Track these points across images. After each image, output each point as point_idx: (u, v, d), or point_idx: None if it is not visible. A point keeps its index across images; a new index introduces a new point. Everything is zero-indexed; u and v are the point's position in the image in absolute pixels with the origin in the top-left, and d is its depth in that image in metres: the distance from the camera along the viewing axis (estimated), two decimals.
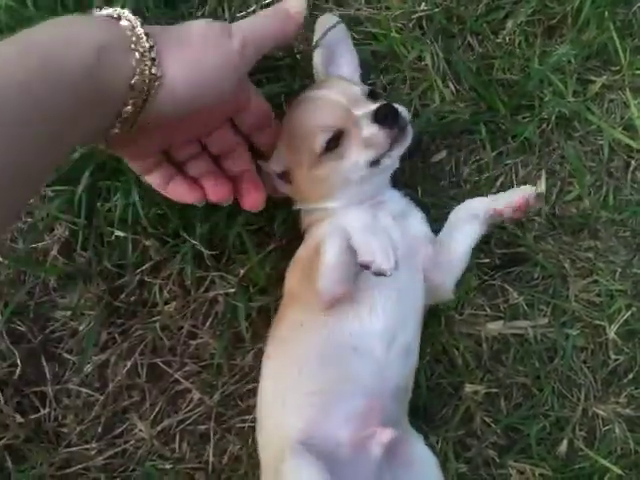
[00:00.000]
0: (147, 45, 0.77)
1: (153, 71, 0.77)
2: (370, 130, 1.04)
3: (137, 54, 0.76)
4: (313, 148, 1.06)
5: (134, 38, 0.77)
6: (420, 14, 1.40)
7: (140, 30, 0.78)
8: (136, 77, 0.76)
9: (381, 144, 1.04)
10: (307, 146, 1.07)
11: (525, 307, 1.31)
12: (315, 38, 1.20)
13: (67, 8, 1.26)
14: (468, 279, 1.30)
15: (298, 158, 1.10)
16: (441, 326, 1.28)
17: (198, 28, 0.86)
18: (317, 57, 1.21)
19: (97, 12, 0.81)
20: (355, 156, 1.06)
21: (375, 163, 1.07)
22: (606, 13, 1.37)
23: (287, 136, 1.11)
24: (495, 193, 1.33)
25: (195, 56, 0.82)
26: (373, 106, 1.06)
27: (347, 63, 1.22)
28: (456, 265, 1.15)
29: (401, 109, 1.06)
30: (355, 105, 1.07)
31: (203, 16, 1.36)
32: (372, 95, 1.11)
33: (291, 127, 1.11)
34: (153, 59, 0.77)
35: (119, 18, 0.79)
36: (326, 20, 1.21)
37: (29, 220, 1.30)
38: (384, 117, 1.02)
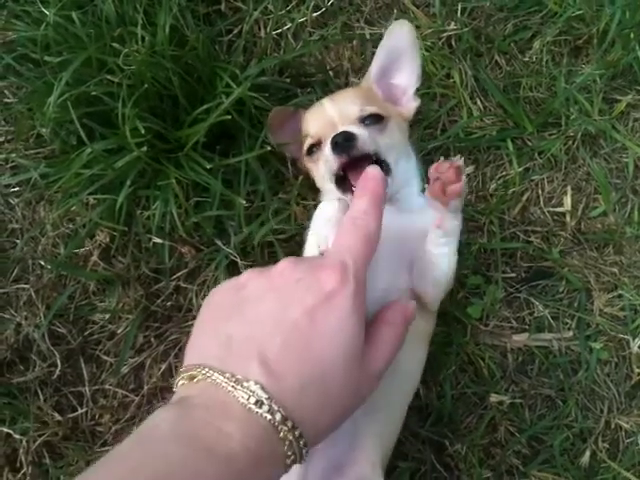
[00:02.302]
0: (290, 425, 0.70)
1: (301, 444, 0.71)
2: (327, 150, 1.11)
3: (287, 443, 0.70)
4: (305, 145, 1.22)
5: (280, 427, 0.69)
6: (449, 33, 1.44)
7: (278, 415, 0.69)
8: (290, 457, 0.71)
9: (332, 166, 1.11)
10: (305, 141, 1.22)
11: (550, 320, 1.33)
12: (382, 43, 1.25)
13: (110, 24, 1.32)
14: (494, 292, 1.33)
15: (303, 148, 1.24)
16: (467, 336, 1.31)
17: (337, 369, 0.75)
18: (376, 60, 1.26)
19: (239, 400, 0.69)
20: (322, 167, 1.16)
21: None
22: (632, 34, 1.40)
23: (303, 126, 1.25)
24: (521, 208, 1.38)
25: (326, 401, 0.74)
26: (341, 129, 1.12)
27: (407, 72, 1.25)
28: (438, 278, 1.09)
29: (363, 139, 1.09)
30: (342, 123, 1.15)
31: (240, 34, 1.42)
32: (369, 120, 1.16)
33: (304, 120, 1.25)
34: (299, 436, 0.70)
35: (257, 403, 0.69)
36: (398, 26, 1.24)
37: (71, 226, 1.35)
38: (334, 144, 1.09)
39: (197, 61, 1.29)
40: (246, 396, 0.67)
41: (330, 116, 1.17)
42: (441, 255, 1.05)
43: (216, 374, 0.70)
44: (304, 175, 1.32)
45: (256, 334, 0.73)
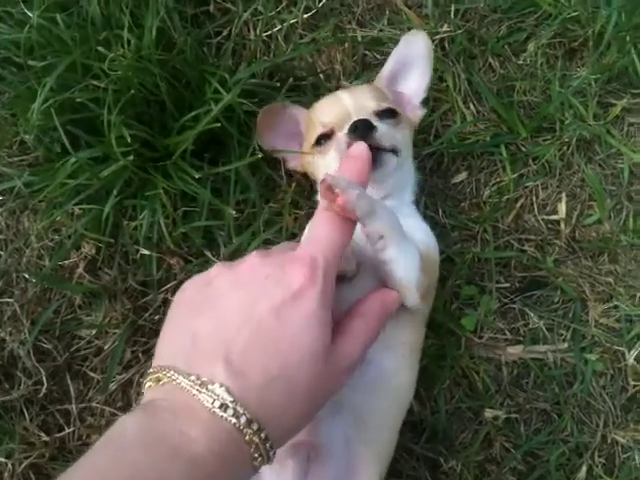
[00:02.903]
0: (255, 427, 0.69)
1: (267, 446, 0.70)
2: (342, 134, 1.09)
3: (253, 445, 0.69)
4: (312, 137, 1.17)
5: (245, 430, 0.69)
6: (442, 35, 1.41)
7: (243, 418, 0.68)
8: (257, 459, 0.70)
9: (342, 149, 1.08)
10: (310, 135, 1.19)
11: (545, 331, 1.32)
12: (396, 49, 1.24)
13: (96, 26, 1.27)
14: (488, 302, 1.31)
15: (308, 140, 1.20)
16: (461, 349, 1.29)
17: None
18: (386, 67, 1.25)
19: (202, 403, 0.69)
20: (331, 157, 1.12)
21: None
22: (627, 37, 1.37)
23: (308, 119, 1.21)
24: (515, 215, 1.36)
25: (292, 399, 0.73)
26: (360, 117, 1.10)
27: (415, 81, 1.24)
28: (400, 283, 0.97)
29: (381, 132, 1.07)
30: (358, 114, 1.12)
31: (229, 36, 1.38)
32: (384, 114, 1.14)
33: (311, 113, 1.21)
34: (264, 438, 0.70)
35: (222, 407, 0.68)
36: (413, 35, 1.23)
37: (56, 237, 1.31)
38: (354, 128, 1.06)
39: (185, 65, 1.25)
40: (211, 400, 0.67)
41: (346, 107, 1.14)
42: (389, 260, 0.94)
43: (181, 377, 0.70)
44: (299, 177, 1.30)
45: (222, 331, 0.73)
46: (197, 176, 1.20)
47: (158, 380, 0.72)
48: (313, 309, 0.74)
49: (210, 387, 0.68)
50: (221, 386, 0.68)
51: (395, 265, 0.94)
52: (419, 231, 1.12)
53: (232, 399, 0.67)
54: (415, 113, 1.24)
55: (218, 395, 0.67)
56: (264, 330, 0.72)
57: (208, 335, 0.73)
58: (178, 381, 0.70)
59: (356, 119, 1.09)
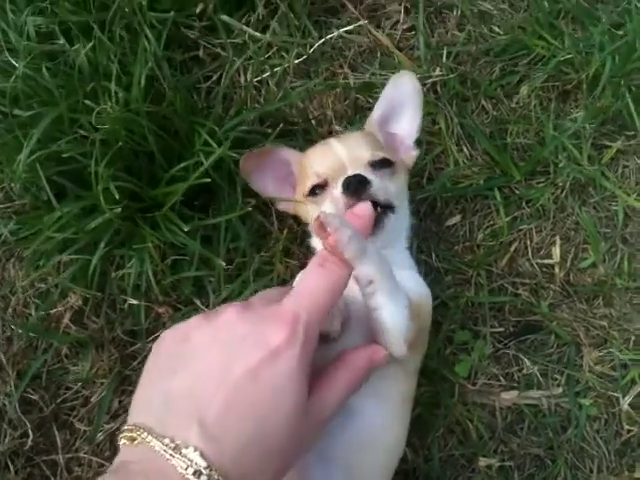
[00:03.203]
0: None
1: None
2: (337, 191, 1.07)
3: None
4: (305, 185, 1.15)
5: None
6: (435, 79, 1.40)
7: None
8: None
9: (340, 208, 1.06)
10: (304, 182, 1.16)
11: (539, 376, 1.30)
12: (384, 91, 1.23)
13: (83, 76, 1.26)
14: (482, 348, 1.30)
15: (300, 188, 1.18)
16: (454, 396, 1.28)
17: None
18: (376, 109, 1.24)
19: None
20: (326, 208, 1.10)
21: None
22: (621, 81, 1.36)
23: (301, 165, 1.20)
24: (509, 259, 1.34)
25: (268, 458, 0.72)
26: (354, 172, 1.08)
27: (407, 122, 1.24)
28: (388, 333, 0.95)
29: (376, 187, 1.06)
30: (352, 166, 1.10)
31: (219, 81, 1.37)
32: (379, 165, 1.12)
33: (304, 160, 1.19)
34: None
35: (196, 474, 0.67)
36: (401, 76, 1.22)
37: (42, 285, 1.30)
38: (347, 185, 1.05)
39: (174, 116, 1.24)
40: (184, 465, 0.65)
41: (340, 157, 1.12)
42: (377, 306, 0.92)
43: (155, 440, 0.68)
44: (290, 223, 1.30)
45: (197, 392, 0.71)
46: (186, 229, 1.19)
47: (132, 439, 0.70)
48: (291, 370, 0.73)
49: (184, 451, 0.66)
50: (195, 450, 0.66)
51: (383, 312, 0.93)
52: (412, 280, 1.11)
53: (206, 464, 0.66)
54: (409, 154, 1.23)
55: (192, 460, 0.66)
56: (240, 393, 0.71)
57: (182, 396, 0.72)
58: (152, 444, 0.68)
59: (350, 173, 1.08)
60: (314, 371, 0.79)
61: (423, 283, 1.14)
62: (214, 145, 1.19)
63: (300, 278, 0.86)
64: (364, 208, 0.92)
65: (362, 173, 1.08)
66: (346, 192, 1.05)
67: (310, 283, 0.82)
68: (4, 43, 1.31)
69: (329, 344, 0.92)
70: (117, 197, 1.14)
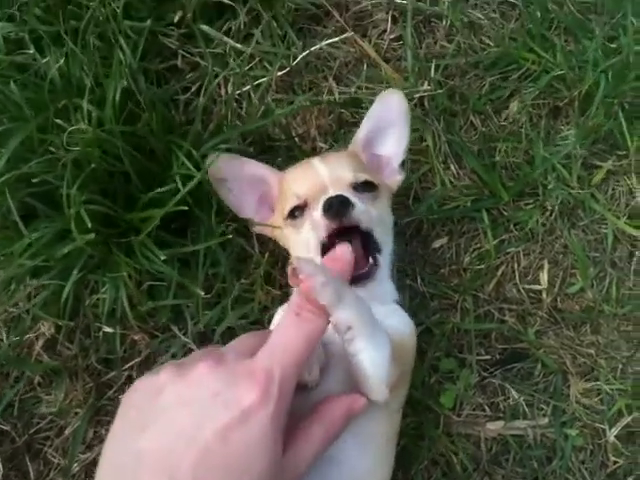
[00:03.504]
0: None
1: None
2: (317, 213, 1.02)
3: None
4: (284, 207, 1.10)
5: None
6: (423, 94, 1.35)
7: None
8: None
9: (320, 231, 1.02)
10: (282, 204, 1.11)
11: (525, 407, 1.28)
12: (371, 110, 1.18)
13: (55, 90, 1.19)
14: (467, 377, 1.27)
15: (279, 211, 1.13)
16: (439, 428, 1.24)
17: None
18: (362, 129, 1.18)
19: None
20: (305, 233, 1.06)
21: None
22: (614, 101, 1.32)
23: (280, 186, 1.14)
24: (496, 284, 1.31)
25: None
26: (335, 193, 1.03)
27: (393, 143, 1.18)
28: (368, 379, 0.90)
29: (358, 210, 1.01)
30: (334, 186, 1.05)
31: (199, 92, 1.31)
32: (362, 187, 1.07)
33: (284, 180, 1.14)
34: None
35: None
36: (389, 95, 1.17)
37: (14, 309, 1.25)
38: (327, 206, 1.00)
39: (151, 136, 1.18)
40: None
41: (321, 177, 1.07)
42: (357, 352, 0.87)
43: None
44: (272, 247, 1.24)
45: (167, 453, 0.69)
46: (163, 258, 1.13)
47: None
48: (264, 430, 0.71)
49: None
50: None
51: (363, 358, 0.87)
52: (394, 316, 1.06)
53: None
54: (394, 178, 1.18)
55: None
56: (210, 455, 0.68)
57: (153, 456, 0.69)
58: None
59: (332, 194, 1.03)
60: (290, 420, 0.76)
61: (406, 318, 1.09)
62: (192, 169, 1.13)
63: (276, 327, 0.81)
64: (343, 251, 0.88)
65: (345, 194, 1.03)
66: (327, 214, 1.00)
67: (285, 334, 0.79)
68: None
69: (306, 393, 0.89)
70: (89, 225, 1.08)
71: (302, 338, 0.78)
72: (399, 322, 1.06)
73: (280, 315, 1.10)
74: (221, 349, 0.82)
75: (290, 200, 1.09)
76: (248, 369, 0.74)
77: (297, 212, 1.08)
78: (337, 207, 1.00)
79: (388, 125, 1.17)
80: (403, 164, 1.19)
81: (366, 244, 1.04)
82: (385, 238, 1.10)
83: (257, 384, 0.72)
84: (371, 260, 1.02)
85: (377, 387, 0.90)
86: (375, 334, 0.88)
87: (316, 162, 1.11)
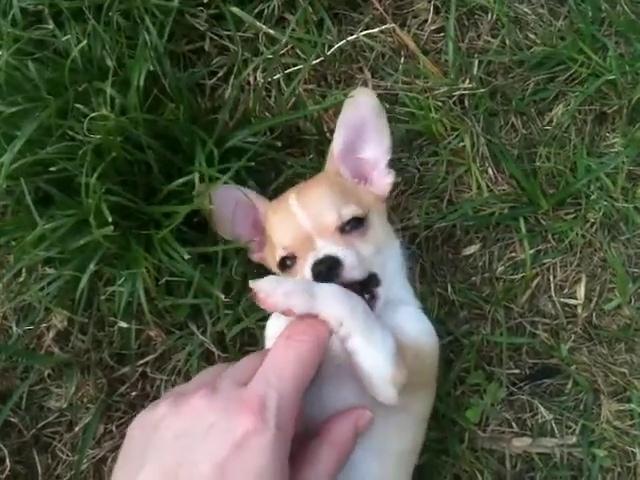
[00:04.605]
0: None
1: None
2: (308, 275, 0.94)
3: None
4: (274, 253, 1.03)
5: None
6: (463, 92, 1.28)
7: None
8: None
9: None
10: (272, 244, 1.04)
11: (553, 424, 1.22)
12: (341, 117, 1.07)
13: (75, 71, 1.12)
14: (495, 391, 1.21)
15: (270, 247, 1.06)
16: (464, 443, 1.19)
17: None
18: (337, 136, 1.07)
19: None
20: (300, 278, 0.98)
21: None
22: None
23: (268, 219, 1.07)
24: (530, 295, 1.25)
25: None
26: (322, 252, 0.94)
27: (374, 145, 1.08)
28: (370, 378, 0.86)
29: (349, 266, 0.93)
30: (320, 235, 0.97)
31: (226, 78, 1.24)
32: (349, 226, 0.98)
33: (269, 216, 1.07)
34: None
35: None
36: (358, 95, 1.06)
37: (25, 299, 1.19)
38: (317, 274, 0.92)
39: (176, 126, 1.11)
40: None
41: (304, 228, 0.98)
42: (354, 350, 0.84)
43: None
44: None
45: None
46: (186, 257, 1.07)
47: None
48: (262, 459, 0.69)
49: None
50: None
51: (362, 356, 0.84)
52: (410, 318, 1.00)
53: None
54: (384, 181, 1.08)
55: None
56: None
57: None
58: None
59: (318, 246, 0.95)
60: (296, 440, 0.75)
61: (425, 320, 1.02)
62: (218, 175, 1.06)
63: (269, 352, 0.80)
64: None
65: (330, 252, 0.94)
66: (318, 278, 0.92)
67: (277, 358, 0.78)
68: None
69: (314, 400, 0.86)
70: (109, 218, 1.02)
71: (296, 359, 0.77)
72: (416, 322, 1.01)
73: (272, 329, 1.05)
74: (223, 372, 0.82)
75: (278, 248, 1.01)
76: (241, 397, 0.73)
77: (288, 261, 1.01)
78: (326, 273, 0.92)
79: (363, 126, 1.07)
80: (390, 164, 1.08)
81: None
82: (387, 254, 1.03)
83: (250, 412, 0.70)
84: (367, 296, 0.95)
85: (382, 387, 0.86)
86: (373, 330, 0.85)
87: (295, 206, 1.01)
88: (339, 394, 0.90)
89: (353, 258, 0.93)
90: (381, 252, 1.01)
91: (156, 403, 0.78)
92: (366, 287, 0.96)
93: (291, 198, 1.02)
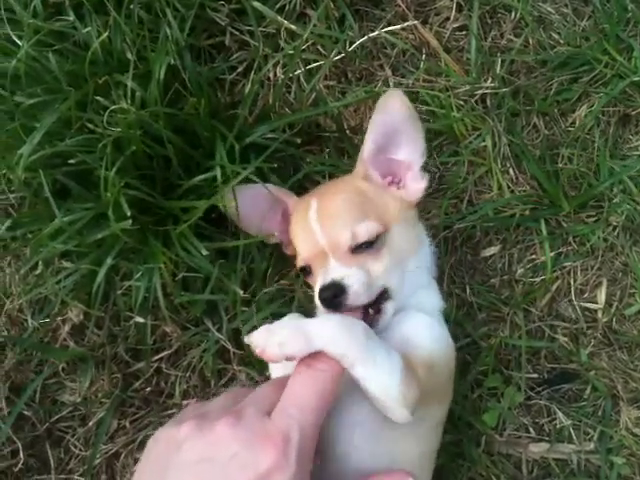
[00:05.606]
0: None
1: None
2: (316, 297, 0.96)
3: None
4: (296, 258, 1.05)
5: None
6: (485, 91, 1.26)
7: None
8: None
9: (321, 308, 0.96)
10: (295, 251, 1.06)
11: (571, 430, 1.21)
12: (373, 119, 1.03)
13: (95, 63, 1.12)
14: (513, 395, 1.20)
15: (294, 250, 1.07)
16: (480, 446, 1.18)
17: None
18: (369, 138, 1.04)
19: None
20: (316, 295, 0.98)
21: None
22: None
23: (293, 215, 1.08)
24: (550, 299, 1.23)
25: None
26: (330, 275, 0.94)
27: (409, 147, 1.04)
28: (378, 401, 0.87)
29: (355, 293, 0.92)
30: (333, 252, 0.97)
31: (245, 74, 1.23)
32: (362, 247, 0.97)
33: (292, 225, 1.07)
34: None
35: None
36: (390, 96, 1.03)
37: (41, 292, 1.18)
38: (322, 300, 0.94)
39: (196, 121, 1.10)
40: None
41: (319, 243, 0.98)
42: (359, 378, 0.84)
43: None
44: None
45: None
46: (205, 253, 1.06)
47: None
48: None
49: None
50: None
51: (369, 382, 0.85)
52: (425, 331, 0.99)
53: None
54: (417, 185, 1.05)
55: None
56: None
57: None
58: None
59: (332, 265, 0.96)
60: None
61: (440, 331, 1.01)
62: (240, 170, 1.05)
63: (289, 382, 0.80)
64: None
65: (337, 278, 0.93)
66: (324, 304, 0.93)
67: (298, 389, 0.79)
68: (4, 12, 1.15)
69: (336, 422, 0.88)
70: (128, 213, 1.01)
71: (315, 393, 0.78)
72: (431, 334, 0.99)
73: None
74: (245, 397, 0.82)
75: (298, 256, 1.04)
76: (266, 430, 0.73)
77: (307, 269, 1.02)
78: (331, 300, 0.93)
79: (396, 129, 1.03)
80: (425, 168, 1.06)
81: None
82: (410, 261, 1.02)
83: (274, 447, 0.71)
84: (371, 311, 0.95)
85: (394, 410, 0.87)
86: (376, 354, 0.85)
87: (313, 221, 1.00)
88: (354, 418, 0.90)
89: (359, 285, 0.93)
90: (402, 261, 1.00)
91: (178, 420, 0.79)
92: (374, 303, 0.96)
93: (312, 209, 1.01)
